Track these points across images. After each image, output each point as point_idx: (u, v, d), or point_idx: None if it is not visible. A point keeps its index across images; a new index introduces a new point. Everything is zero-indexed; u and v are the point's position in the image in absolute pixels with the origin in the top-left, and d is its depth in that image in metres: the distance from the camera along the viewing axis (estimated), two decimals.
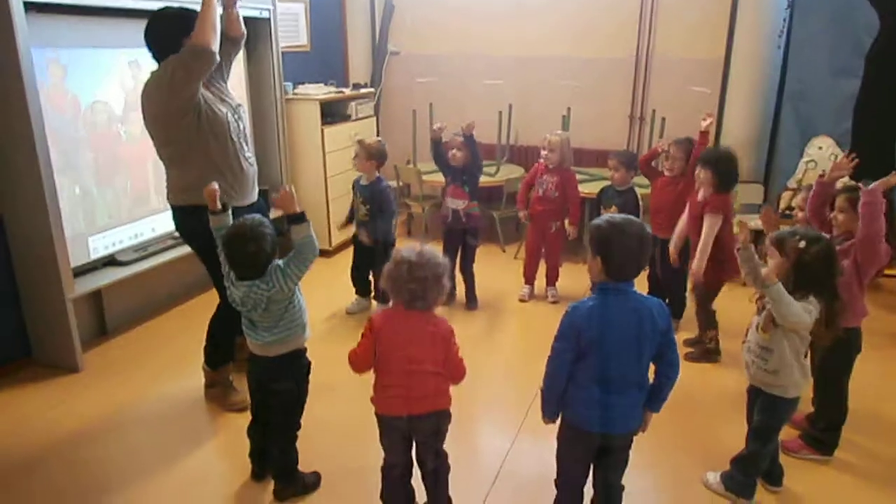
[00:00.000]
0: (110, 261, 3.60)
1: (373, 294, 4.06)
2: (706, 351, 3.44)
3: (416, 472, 2.22)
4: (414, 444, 2.15)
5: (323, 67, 5.57)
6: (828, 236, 2.31)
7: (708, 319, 3.43)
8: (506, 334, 3.83)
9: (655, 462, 2.61)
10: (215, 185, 2.39)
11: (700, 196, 3.28)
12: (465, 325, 3.80)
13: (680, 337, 3.31)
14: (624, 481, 2.10)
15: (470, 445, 2.77)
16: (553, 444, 2.08)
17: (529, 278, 4.29)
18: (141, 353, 3.51)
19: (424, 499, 2.26)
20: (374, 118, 5.50)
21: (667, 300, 3.56)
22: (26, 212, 3.07)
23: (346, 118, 5.07)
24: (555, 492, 2.15)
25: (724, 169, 3.19)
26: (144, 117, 2.67)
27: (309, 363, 2.42)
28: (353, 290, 4.07)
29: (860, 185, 2.43)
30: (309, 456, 2.46)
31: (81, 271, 3.41)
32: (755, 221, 4.27)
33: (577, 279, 4.40)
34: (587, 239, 1.98)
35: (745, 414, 2.43)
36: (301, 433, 2.42)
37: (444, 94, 5.70)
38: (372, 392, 2.09)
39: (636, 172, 3.85)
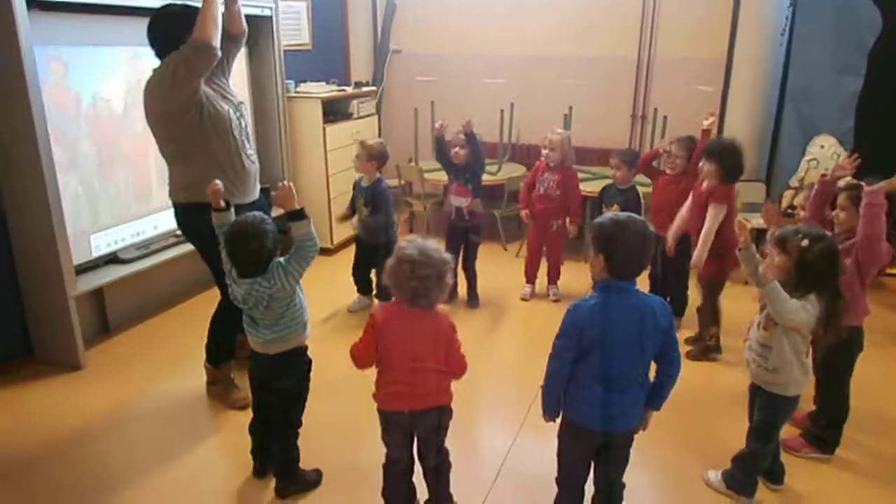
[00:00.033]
0: (112, 259, 3.60)
1: (374, 292, 4.06)
2: (706, 348, 3.44)
3: (418, 469, 2.22)
4: (415, 441, 2.15)
5: (325, 66, 5.57)
6: (831, 235, 2.30)
7: (712, 315, 3.43)
8: (507, 333, 3.83)
9: (657, 460, 2.61)
10: (219, 184, 2.39)
11: (704, 186, 3.26)
12: (467, 323, 3.80)
13: (681, 335, 3.29)
14: (625, 479, 2.10)
15: (471, 443, 2.77)
16: (554, 443, 2.08)
17: (531, 277, 4.29)
18: (143, 350, 3.52)
19: (426, 496, 2.27)
20: (376, 116, 5.50)
21: (668, 298, 3.55)
22: (29, 210, 3.08)
23: (348, 116, 5.08)
24: (556, 490, 2.15)
25: (729, 161, 3.17)
26: (147, 115, 2.67)
27: (310, 361, 2.42)
28: (355, 288, 4.07)
29: (862, 183, 2.43)
30: (310, 453, 2.47)
31: (83, 269, 3.42)
32: (757, 220, 4.28)
33: (578, 278, 4.40)
34: (589, 237, 1.98)
35: (746, 412, 2.43)
36: (302, 430, 2.42)
37: (445, 92, 5.71)
38: (374, 389, 2.09)
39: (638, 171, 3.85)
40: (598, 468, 2.08)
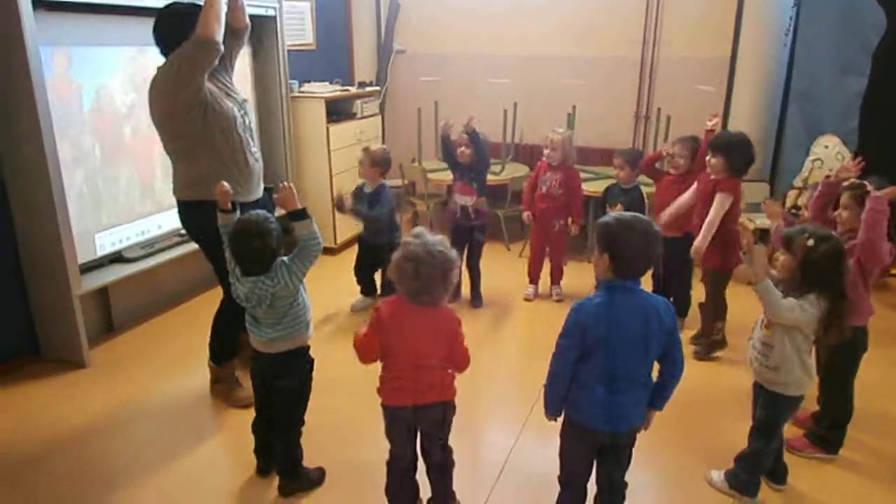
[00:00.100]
0: (117, 258, 3.61)
1: (378, 292, 4.06)
2: (712, 344, 3.43)
3: (421, 467, 2.22)
4: (419, 438, 2.16)
5: (328, 66, 5.58)
6: (836, 235, 2.30)
7: (717, 309, 3.42)
8: (510, 333, 3.84)
9: (660, 460, 2.61)
10: (227, 185, 2.39)
11: (711, 178, 3.24)
12: (470, 323, 3.77)
13: (685, 335, 3.30)
14: (628, 478, 2.10)
15: (475, 442, 2.77)
16: (556, 442, 2.08)
17: (534, 277, 4.29)
18: (147, 349, 3.53)
19: (429, 494, 2.27)
20: (380, 116, 5.51)
21: (671, 298, 3.55)
22: (34, 209, 3.09)
23: (352, 116, 5.08)
24: (558, 488, 2.15)
25: (736, 155, 3.15)
26: (152, 113, 2.68)
27: (312, 360, 2.43)
28: (358, 288, 4.08)
29: (865, 182, 2.43)
30: (313, 452, 2.47)
31: (88, 268, 3.43)
32: (761, 220, 4.28)
33: (581, 278, 4.40)
34: (593, 238, 1.98)
35: (749, 412, 2.42)
36: (305, 429, 2.43)
37: (449, 92, 5.71)
38: (377, 385, 2.09)
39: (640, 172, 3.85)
40: (600, 468, 2.08)
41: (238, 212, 2.41)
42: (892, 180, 2.57)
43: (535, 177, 4.13)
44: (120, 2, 3.26)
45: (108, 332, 3.68)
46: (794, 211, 4.45)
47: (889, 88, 4.53)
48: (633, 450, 2.05)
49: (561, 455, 2.10)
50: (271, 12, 4.36)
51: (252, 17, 3.02)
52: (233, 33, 2.84)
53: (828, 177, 2.73)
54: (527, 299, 4.23)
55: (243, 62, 4.38)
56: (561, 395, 1.96)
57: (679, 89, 5.24)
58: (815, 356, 2.30)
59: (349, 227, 4.92)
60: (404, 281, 1.96)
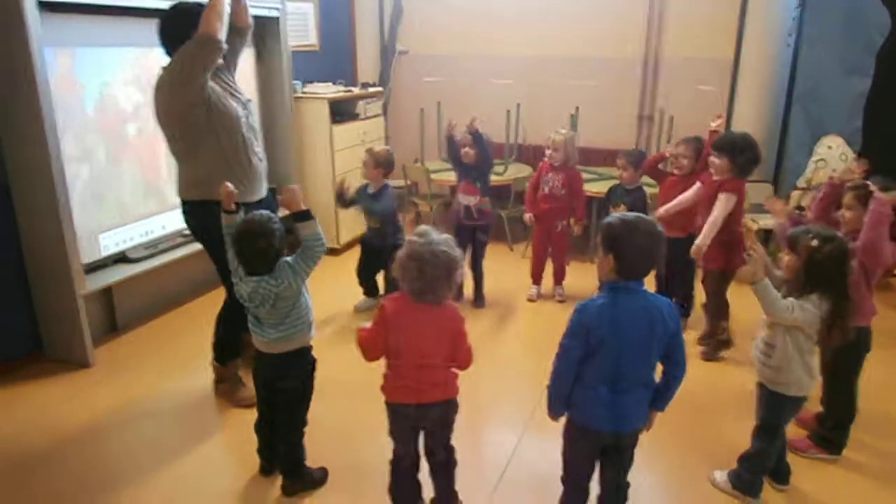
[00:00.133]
0: (121, 258, 3.62)
1: (381, 293, 4.07)
2: (718, 343, 3.43)
3: (424, 467, 2.23)
4: (422, 437, 2.16)
5: (332, 66, 5.60)
6: (841, 236, 2.30)
7: (720, 310, 3.42)
8: (513, 333, 3.84)
9: (663, 460, 2.61)
10: (231, 186, 2.40)
11: (715, 179, 3.23)
12: (473, 323, 3.81)
13: (688, 336, 3.30)
14: (632, 479, 2.10)
15: (477, 442, 2.78)
16: (559, 442, 2.08)
17: (537, 278, 4.29)
18: (151, 349, 3.54)
19: (432, 494, 2.27)
20: (383, 117, 5.52)
21: (674, 299, 3.55)
22: (38, 209, 3.10)
23: (355, 117, 5.09)
24: (561, 489, 2.15)
25: (740, 156, 3.14)
26: (156, 112, 2.69)
27: (314, 361, 2.43)
28: (360, 289, 4.08)
29: (868, 182, 2.43)
30: (316, 452, 2.48)
31: (92, 268, 3.44)
32: (765, 221, 4.27)
33: (584, 278, 4.40)
34: (597, 238, 1.98)
35: (752, 412, 2.42)
36: (308, 429, 2.43)
37: (452, 93, 5.71)
38: (380, 383, 2.10)
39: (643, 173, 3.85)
40: (603, 468, 2.08)
41: (242, 212, 2.41)
42: None
43: (537, 178, 4.13)
44: (123, 3, 3.27)
45: (112, 331, 3.70)
46: (797, 212, 4.44)
47: (893, 89, 4.53)
48: (636, 450, 2.05)
49: (564, 455, 2.10)
50: (275, 13, 4.37)
51: (256, 18, 3.03)
52: (236, 32, 2.85)
53: (832, 178, 2.73)
54: (530, 300, 4.24)
55: (247, 63, 4.39)
56: (564, 395, 1.96)
57: (682, 90, 5.23)
58: (818, 357, 2.30)
59: (352, 228, 4.93)
60: (408, 280, 1.96)
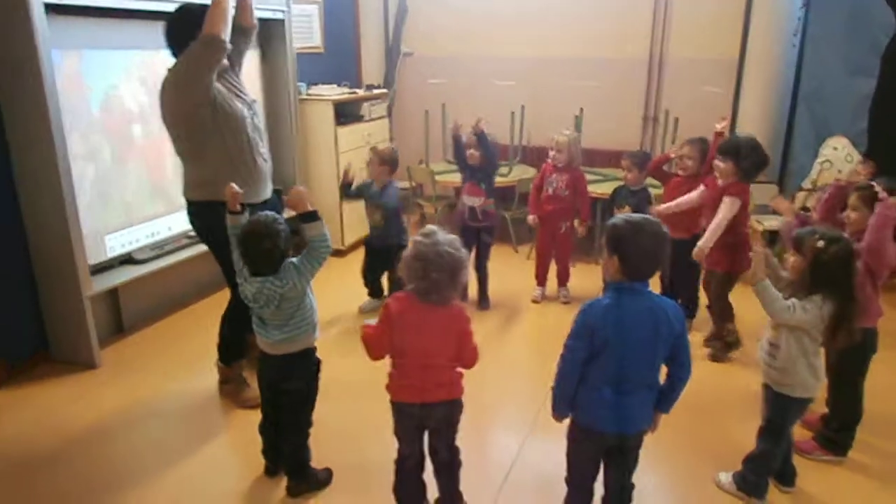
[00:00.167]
0: (127, 259, 3.64)
1: (385, 294, 4.08)
2: (727, 345, 3.42)
3: (428, 468, 2.23)
4: (427, 436, 2.16)
5: (336, 68, 5.61)
6: (847, 237, 2.29)
7: (723, 313, 3.41)
8: (518, 334, 3.84)
9: (668, 461, 2.61)
10: (237, 187, 2.40)
11: (720, 184, 3.23)
12: (478, 324, 3.73)
13: (693, 337, 3.30)
14: (636, 480, 2.10)
15: (482, 443, 2.78)
16: (564, 443, 2.09)
17: (541, 279, 4.29)
18: (156, 350, 3.56)
19: (436, 495, 2.27)
20: (387, 119, 5.53)
21: (679, 300, 3.55)
22: (45, 211, 3.12)
23: (360, 119, 5.10)
24: (565, 490, 2.15)
25: (746, 159, 3.13)
26: (163, 113, 2.70)
27: (319, 362, 2.44)
28: (365, 290, 4.09)
29: (873, 182, 2.42)
30: (320, 452, 2.48)
31: (99, 269, 3.46)
32: (770, 222, 4.26)
33: (589, 279, 4.39)
34: (602, 239, 1.98)
35: (757, 414, 2.41)
36: (313, 430, 2.43)
37: (456, 95, 5.71)
38: (384, 384, 2.10)
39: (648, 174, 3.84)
40: (607, 469, 2.08)
41: (247, 213, 2.42)
42: None
43: (540, 179, 4.12)
44: (129, 6, 3.29)
45: (118, 332, 3.71)
46: (802, 212, 4.43)
47: None
48: (641, 451, 2.05)
49: (568, 456, 2.10)
50: (280, 15, 4.39)
51: (261, 20, 3.05)
52: (241, 32, 2.86)
53: (838, 180, 2.73)
54: (534, 301, 4.23)
55: (252, 65, 4.41)
56: (569, 396, 1.97)
57: (687, 91, 5.22)
58: (824, 358, 2.30)
59: (357, 229, 4.93)
60: (413, 280, 1.97)
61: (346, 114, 4.97)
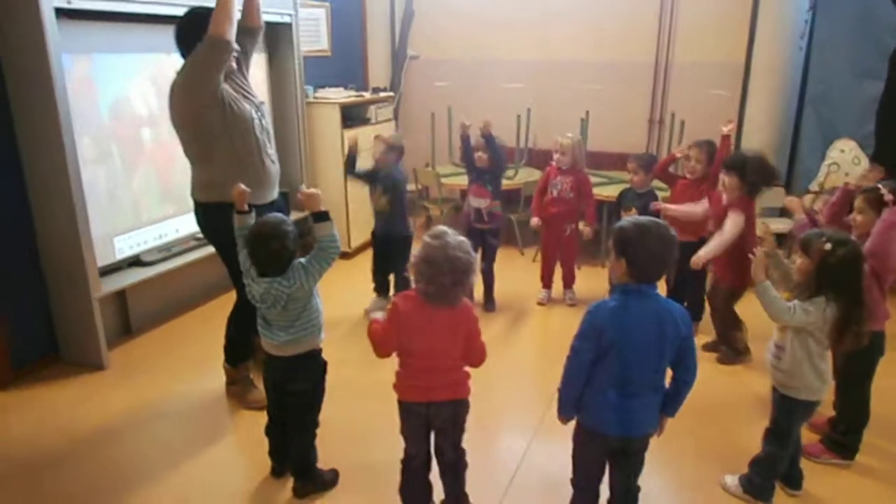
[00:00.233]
0: (135, 261, 3.67)
1: (391, 293, 4.08)
2: (737, 351, 3.41)
3: (434, 469, 2.23)
4: (433, 436, 2.17)
5: (343, 71, 5.63)
6: (855, 240, 2.29)
7: (728, 324, 3.40)
8: (524, 337, 3.84)
9: (674, 464, 2.60)
10: (244, 187, 2.42)
11: (724, 200, 3.24)
12: (484, 327, 3.72)
13: (699, 340, 3.29)
14: (642, 483, 2.10)
15: (488, 445, 2.78)
16: (570, 444, 2.09)
17: (547, 282, 4.29)
18: (164, 351, 3.57)
19: (442, 496, 2.28)
20: (394, 122, 5.55)
21: (685, 303, 3.54)
22: (55, 213, 3.15)
23: (366, 122, 5.12)
24: (571, 491, 2.15)
25: (750, 174, 3.12)
26: (172, 116, 2.72)
27: (325, 363, 2.44)
28: (372, 292, 4.09)
29: (879, 185, 2.42)
30: (326, 453, 2.49)
31: (107, 271, 3.48)
32: (776, 225, 4.25)
33: (594, 281, 4.39)
34: (609, 241, 1.98)
35: (763, 416, 2.41)
36: (319, 430, 2.44)
37: (462, 98, 5.73)
38: (390, 385, 2.11)
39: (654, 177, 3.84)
40: (613, 472, 2.08)
41: (253, 214, 2.44)
42: None
43: (544, 182, 4.13)
44: (139, 10, 3.31)
45: (126, 334, 3.73)
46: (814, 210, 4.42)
47: None
48: (647, 454, 2.04)
49: (573, 458, 2.10)
50: (287, 19, 4.41)
51: (268, 23, 3.07)
52: (247, 33, 2.88)
53: (847, 184, 2.72)
54: (540, 303, 4.23)
55: (259, 68, 4.44)
56: (575, 397, 1.97)
57: (693, 94, 5.22)
58: (830, 361, 2.29)
59: (364, 230, 4.94)
60: (421, 282, 1.97)
61: (352, 117, 4.99)
